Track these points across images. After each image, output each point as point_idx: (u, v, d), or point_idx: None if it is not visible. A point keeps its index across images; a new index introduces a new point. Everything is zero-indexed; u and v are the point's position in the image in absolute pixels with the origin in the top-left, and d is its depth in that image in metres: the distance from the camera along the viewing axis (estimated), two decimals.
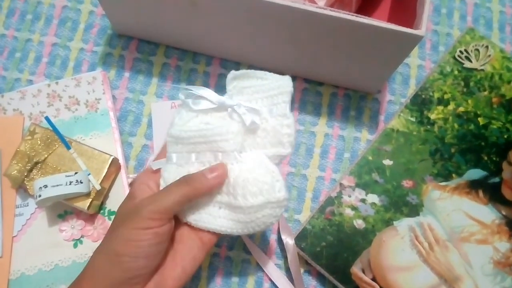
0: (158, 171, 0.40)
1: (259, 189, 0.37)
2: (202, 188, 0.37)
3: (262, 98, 0.41)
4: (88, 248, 0.49)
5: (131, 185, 0.39)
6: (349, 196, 0.50)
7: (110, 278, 0.34)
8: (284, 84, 0.41)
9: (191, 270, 0.38)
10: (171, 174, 0.39)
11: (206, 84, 0.57)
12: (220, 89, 0.57)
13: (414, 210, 0.50)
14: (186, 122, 0.40)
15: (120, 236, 0.34)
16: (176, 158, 0.39)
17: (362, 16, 0.42)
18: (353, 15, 0.42)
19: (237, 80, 0.41)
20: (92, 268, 0.35)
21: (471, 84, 0.55)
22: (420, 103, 0.54)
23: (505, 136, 0.53)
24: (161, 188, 0.39)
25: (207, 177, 0.37)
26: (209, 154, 0.38)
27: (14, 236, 0.49)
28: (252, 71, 0.41)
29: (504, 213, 0.49)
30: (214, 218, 0.39)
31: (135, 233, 0.34)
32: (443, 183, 0.51)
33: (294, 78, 0.57)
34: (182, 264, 0.38)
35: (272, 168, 0.38)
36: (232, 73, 0.41)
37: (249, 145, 0.40)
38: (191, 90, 0.40)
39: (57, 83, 0.54)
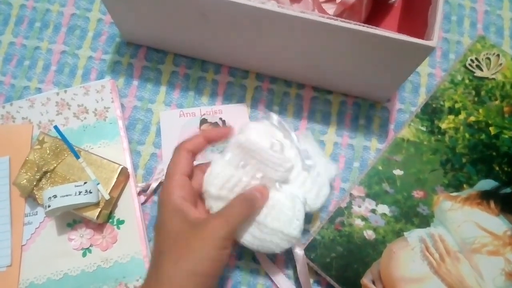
0: (179, 178, 0.41)
1: (279, 217, 0.42)
2: (257, 209, 0.41)
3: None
4: (97, 257, 0.49)
5: (165, 200, 0.40)
6: (359, 207, 0.50)
7: None
8: (332, 168, 0.47)
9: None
10: (218, 166, 0.42)
11: (214, 92, 0.57)
12: (228, 97, 0.57)
13: (425, 221, 0.49)
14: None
15: (206, 256, 0.36)
16: (230, 157, 0.42)
17: (373, 26, 0.42)
18: (363, 26, 0.42)
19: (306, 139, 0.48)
20: (169, 285, 0.36)
21: (482, 93, 0.54)
22: (430, 112, 0.54)
23: None
24: (205, 178, 0.42)
25: (259, 200, 0.41)
26: (255, 170, 0.42)
27: (23, 245, 0.49)
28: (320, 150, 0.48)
29: None
30: None
31: (219, 254, 0.37)
32: (454, 194, 0.50)
33: (302, 87, 0.57)
34: None
35: (299, 207, 0.43)
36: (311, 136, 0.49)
37: (294, 179, 0.44)
38: (285, 127, 0.46)
39: (65, 91, 0.55)
